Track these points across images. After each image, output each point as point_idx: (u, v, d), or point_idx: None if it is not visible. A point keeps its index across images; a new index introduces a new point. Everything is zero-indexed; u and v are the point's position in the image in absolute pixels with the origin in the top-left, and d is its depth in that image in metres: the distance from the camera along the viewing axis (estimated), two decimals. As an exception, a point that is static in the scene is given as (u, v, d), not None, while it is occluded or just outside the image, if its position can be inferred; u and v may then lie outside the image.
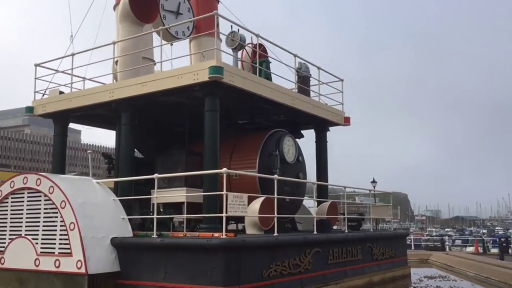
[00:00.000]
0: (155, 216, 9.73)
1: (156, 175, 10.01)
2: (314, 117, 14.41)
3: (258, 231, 10.66)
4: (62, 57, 13.53)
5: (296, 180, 12.14)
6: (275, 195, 10.30)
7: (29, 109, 13.87)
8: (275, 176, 10.57)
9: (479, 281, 13.75)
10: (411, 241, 43.81)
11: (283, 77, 13.75)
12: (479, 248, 36.77)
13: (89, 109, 12.83)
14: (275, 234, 10.06)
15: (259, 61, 13.46)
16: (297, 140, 16.10)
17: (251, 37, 13.29)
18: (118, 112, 12.28)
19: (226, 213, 8.81)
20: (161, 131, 13.90)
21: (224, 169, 9.06)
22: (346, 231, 13.06)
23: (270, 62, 13.68)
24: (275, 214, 10.22)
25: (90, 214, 9.41)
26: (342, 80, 15.70)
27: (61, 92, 13.36)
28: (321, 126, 15.26)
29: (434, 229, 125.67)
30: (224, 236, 8.70)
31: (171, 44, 14.78)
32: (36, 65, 13.89)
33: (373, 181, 43.76)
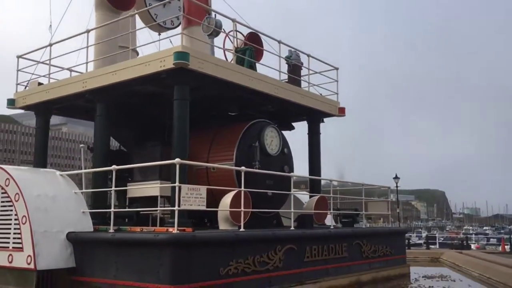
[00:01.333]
0: (112, 210, 9.25)
1: (113, 167, 9.53)
2: (304, 107, 13.71)
3: (231, 226, 10.07)
4: (41, 48, 13.22)
5: (268, 173, 11.37)
6: (242, 188, 9.68)
7: (10, 102, 13.64)
8: (243, 168, 9.94)
9: (481, 281, 12.77)
10: (435, 239, 42.55)
11: (269, 67, 13.13)
12: (506, 247, 35.18)
13: (67, 100, 12.50)
14: (241, 229, 9.47)
15: (242, 48, 12.92)
16: (288, 131, 15.59)
17: (234, 25, 12.68)
18: (94, 102, 11.91)
19: (179, 206, 8.24)
20: (141, 123, 13.43)
21: (177, 160, 8.49)
22: (332, 227, 12.27)
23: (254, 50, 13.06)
24: (242, 209, 9.59)
25: (44, 208, 9.02)
26: (337, 69, 14.90)
27: (40, 84, 13.08)
28: (313, 117, 14.50)
29: (471, 228, 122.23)
30: (175, 231, 8.15)
31: (159, 34, 14.33)
32: (18, 57, 13.65)
33: (396, 177, 42.54)
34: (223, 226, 10.26)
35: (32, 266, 8.44)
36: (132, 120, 13.17)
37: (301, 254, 10.28)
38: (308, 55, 14.09)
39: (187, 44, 11.62)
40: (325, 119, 14.99)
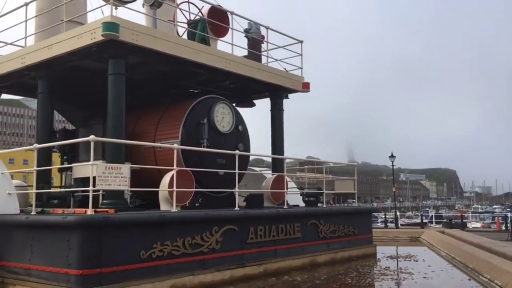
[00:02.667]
0: (34, 191, 8.77)
1: (35, 146, 9.05)
2: (264, 83, 13.11)
3: (172, 207, 9.57)
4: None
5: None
6: (175, 167, 9.17)
7: (-41, 81, 13.17)
8: (175, 145, 9.42)
9: (447, 261, 12.21)
10: (432, 218, 42.01)
11: (228, 42, 12.50)
12: (501, 225, 34.53)
13: (11, 78, 12.01)
14: (173, 210, 9.01)
15: (194, 21, 12.33)
16: (249, 108, 15.02)
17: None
18: (36, 79, 11.41)
19: (94, 186, 7.75)
20: (88, 100, 12.89)
21: (91, 137, 7.96)
22: (285, 207, 11.74)
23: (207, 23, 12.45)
24: (174, 188, 9.09)
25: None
26: (301, 42, 14.24)
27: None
28: (275, 93, 13.90)
29: (480, 206, 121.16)
30: (90, 213, 7.69)
31: (116, 8, 13.67)
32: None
33: (392, 156, 41.86)
34: (164, 206, 9.78)
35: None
36: (79, 97, 12.65)
37: (244, 235, 9.79)
38: (267, 28, 13.44)
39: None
40: (294, 97, 14.46)
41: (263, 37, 13.85)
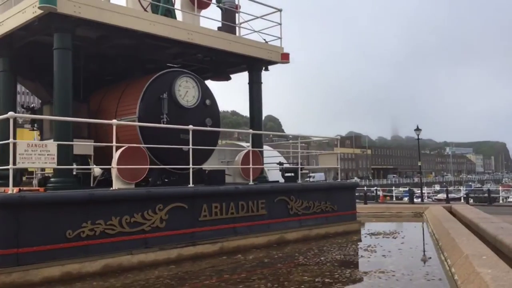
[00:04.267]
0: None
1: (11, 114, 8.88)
2: (238, 55, 12.58)
3: (125, 185, 9.31)
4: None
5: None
6: (114, 143, 8.84)
7: None
8: (114, 121, 9.06)
9: (428, 239, 11.49)
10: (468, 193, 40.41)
11: (205, 17, 12.01)
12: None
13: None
14: (114, 188, 8.73)
15: (158, -8, 11.83)
16: (224, 82, 14.53)
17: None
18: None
19: (15, 164, 7.53)
20: (51, 77, 12.68)
21: (10, 113, 7.69)
22: (251, 183, 11.25)
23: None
24: (115, 166, 8.80)
25: None
26: (279, 11, 13.52)
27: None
28: (252, 65, 13.32)
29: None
30: (10, 192, 7.48)
31: None
32: None
33: (417, 129, 40.45)
34: (116, 185, 9.51)
35: None
36: (42, 74, 12.44)
37: (195, 213, 9.42)
38: (238, -4, 12.79)
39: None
40: (271, 67, 13.81)
41: (236, 6, 13.24)
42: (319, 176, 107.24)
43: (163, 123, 10.71)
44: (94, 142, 11.24)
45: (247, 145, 15.41)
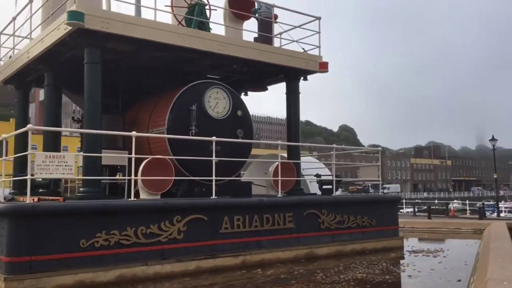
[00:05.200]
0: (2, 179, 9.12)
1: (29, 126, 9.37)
2: (273, 65, 12.43)
3: (150, 196, 9.46)
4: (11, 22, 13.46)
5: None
6: (132, 155, 8.96)
7: (-7, 78, 14.24)
8: (133, 133, 9.16)
9: (473, 259, 10.61)
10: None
11: (248, 30, 12.04)
12: None
13: (31, 72, 12.64)
14: (131, 199, 8.85)
15: (192, 5, 12.01)
16: (260, 92, 14.40)
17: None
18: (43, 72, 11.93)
19: (32, 175, 7.84)
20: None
21: (29, 126, 8.00)
22: (279, 195, 10.97)
23: (206, 5, 12.08)
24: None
25: None
26: (318, 19, 13.23)
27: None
28: (289, 75, 13.10)
29: None
30: (29, 201, 7.79)
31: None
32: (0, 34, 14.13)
33: (492, 139, 38.12)
34: (142, 195, 9.68)
35: None
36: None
37: (215, 225, 9.34)
38: (273, 6, 12.69)
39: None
40: (309, 76, 13.52)
41: (275, 16, 13.10)
42: (394, 188, 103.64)
43: (192, 135, 10.76)
44: (129, 153, 11.49)
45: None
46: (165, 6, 12.04)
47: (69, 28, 9.49)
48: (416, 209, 33.28)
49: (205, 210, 9.23)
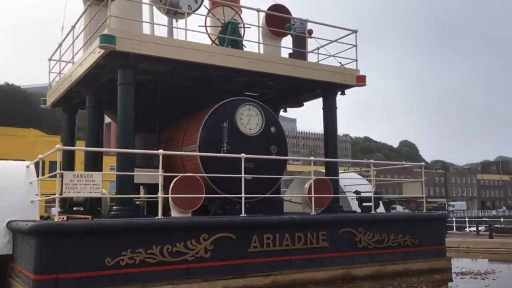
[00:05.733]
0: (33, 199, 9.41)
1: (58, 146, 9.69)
2: (307, 81, 12.26)
3: (181, 214, 9.49)
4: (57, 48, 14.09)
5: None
6: (160, 173, 9.01)
7: (43, 102, 14.94)
8: (160, 151, 9.21)
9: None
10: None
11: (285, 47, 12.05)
12: None
13: (77, 94, 13.13)
14: (159, 217, 8.86)
15: (225, 24, 12.12)
16: (296, 108, 14.21)
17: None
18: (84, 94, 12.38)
19: (61, 194, 8.04)
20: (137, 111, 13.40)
21: (57, 146, 8.23)
22: (313, 213, 10.65)
23: (239, 24, 12.14)
24: (161, 195, 8.96)
25: (-11, 198, 9.60)
26: (355, 32, 12.96)
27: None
28: (325, 90, 12.86)
29: None
30: (60, 220, 7.99)
31: (177, 21, 14.12)
32: (49, 60, 14.84)
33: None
34: (173, 213, 9.72)
35: (-33, 253, 9.10)
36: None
37: (244, 244, 9.19)
38: (306, 20, 12.53)
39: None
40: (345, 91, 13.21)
41: (310, 31, 12.96)
42: (459, 205, 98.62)
43: (223, 152, 10.73)
44: (165, 171, 11.60)
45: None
46: (199, 26, 12.20)
47: (103, 51, 9.78)
48: (479, 228, 31.52)
49: (233, 228, 9.11)
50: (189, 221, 8.81)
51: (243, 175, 9.73)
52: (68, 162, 13.91)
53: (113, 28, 9.81)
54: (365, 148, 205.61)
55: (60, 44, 13.81)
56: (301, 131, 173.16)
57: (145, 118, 12.96)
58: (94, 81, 11.75)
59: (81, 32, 12.27)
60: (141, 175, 11.03)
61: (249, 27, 12.70)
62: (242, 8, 13.30)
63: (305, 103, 14.87)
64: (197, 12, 12.63)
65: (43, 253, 7.53)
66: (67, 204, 10.86)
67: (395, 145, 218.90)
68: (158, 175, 10.75)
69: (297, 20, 12.91)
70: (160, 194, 8.98)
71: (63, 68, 13.63)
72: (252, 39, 13.65)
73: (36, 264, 7.49)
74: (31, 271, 7.54)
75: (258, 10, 11.95)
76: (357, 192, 12.54)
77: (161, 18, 13.36)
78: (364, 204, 12.21)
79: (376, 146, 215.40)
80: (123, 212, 9.62)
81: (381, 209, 13.93)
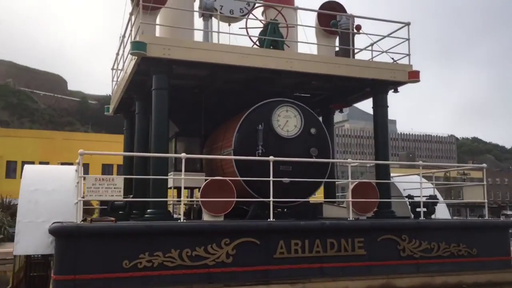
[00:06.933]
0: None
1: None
2: (354, 79, 11.70)
3: (212, 218, 9.47)
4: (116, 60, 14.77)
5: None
6: (184, 177, 9.01)
7: (107, 109, 15.73)
8: (183, 155, 9.17)
9: None
10: None
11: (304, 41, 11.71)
12: None
13: (129, 101, 13.66)
14: (181, 220, 8.86)
15: (266, 25, 11.96)
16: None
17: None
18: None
19: (83, 197, 8.32)
20: (184, 115, 13.55)
21: (80, 150, 8.50)
22: (350, 218, 10.02)
23: (280, 24, 11.89)
24: (181, 198, 8.98)
25: (36, 200, 10.18)
26: (407, 25, 12.12)
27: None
28: (374, 88, 12.14)
29: None
30: (78, 222, 8.27)
31: (229, 25, 14.24)
32: (112, 69, 15.61)
33: None
34: (205, 217, 9.71)
35: (13, 251, 9.77)
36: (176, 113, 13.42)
37: (269, 249, 8.89)
38: (351, 15, 11.93)
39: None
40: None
41: (358, 27, 12.33)
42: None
43: (258, 155, 10.51)
44: (206, 175, 11.65)
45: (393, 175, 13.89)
46: (240, 28, 12.13)
47: (135, 58, 10.05)
48: None
49: (257, 233, 8.85)
50: (209, 225, 8.70)
51: (271, 178, 9.42)
52: (129, 167, 14.42)
53: (144, 35, 10.02)
54: (473, 150, 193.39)
55: (117, 53, 14.45)
56: (401, 133, 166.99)
57: (191, 123, 13.16)
58: (140, 87, 12.10)
59: (127, 41, 12.73)
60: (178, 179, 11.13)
61: (293, 27, 12.37)
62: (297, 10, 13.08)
63: (359, 103, 14.19)
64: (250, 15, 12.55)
65: (62, 254, 7.84)
66: (109, 207, 11.27)
67: (508, 146, 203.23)
68: (199, 179, 10.88)
69: (344, 16, 12.34)
70: (182, 198, 8.99)
71: (119, 76, 14.24)
72: (308, 39, 13.24)
73: (56, 264, 7.80)
74: (54, 271, 7.87)
75: (296, 8, 11.61)
76: (409, 197, 11.66)
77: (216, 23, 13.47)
78: (417, 209, 11.30)
79: (485, 148, 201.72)
80: (155, 215, 9.76)
81: (444, 215, 12.91)
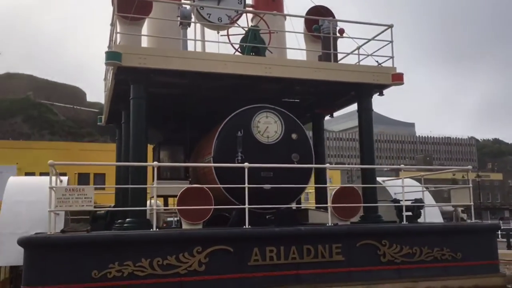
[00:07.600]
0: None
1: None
2: (335, 83, 11.61)
3: (190, 226, 9.45)
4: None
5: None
6: (154, 185, 8.99)
7: (100, 120, 15.86)
8: (155, 163, 9.19)
9: None
10: None
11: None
12: None
13: (118, 111, 13.74)
14: (154, 230, 8.83)
15: (247, 31, 11.95)
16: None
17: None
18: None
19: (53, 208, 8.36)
20: (169, 123, 13.56)
21: (50, 161, 8.56)
22: (329, 223, 9.87)
23: (260, 30, 11.86)
24: (154, 208, 8.94)
25: (18, 211, 10.35)
26: (390, 27, 11.99)
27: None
28: (358, 91, 12.01)
29: None
30: (49, 233, 8.31)
31: (218, 32, 14.25)
32: (104, 80, 15.75)
33: None
34: (184, 225, 9.69)
35: (-5, 262, 9.89)
36: (160, 122, 13.46)
37: (243, 257, 8.81)
38: (334, 20, 11.83)
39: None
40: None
41: (341, 31, 12.23)
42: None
43: (238, 161, 10.45)
44: (190, 183, 11.65)
45: (382, 180, 13.70)
46: (221, 35, 12.13)
47: (112, 67, 10.13)
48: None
49: (230, 241, 8.78)
50: (179, 233, 8.68)
51: (246, 185, 9.36)
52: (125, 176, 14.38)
53: (120, 45, 10.10)
54: (494, 151, 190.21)
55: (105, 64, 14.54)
56: (419, 136, 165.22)
57: (176, 131, 13.19)
58: (124, 97, 12.12)
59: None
60: (167, 188, 11.18)
61: (274, 32, 12.34)
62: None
63: (348, 107, 14.05)
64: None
65: (31, 265, 7.88)
66: (90, 218, 11.35)
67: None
68: (182, 187, 10.86)
69: (326, 20, 12.25)
70: (155, 207, 8.97)
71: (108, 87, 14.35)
72: (295, 45, 13.23)
73: (26, 275, 7.86)
74: (23, 282, 7.91)
75: (276, 14, 11.58)
76: (395, 201, 11.47)
77: (209, 33, 13.49)
78: (402, 213, 11.09)
79: (507, 149, 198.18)
80: (133, 225, 9.76)
81: (436, 219, 12.70)
